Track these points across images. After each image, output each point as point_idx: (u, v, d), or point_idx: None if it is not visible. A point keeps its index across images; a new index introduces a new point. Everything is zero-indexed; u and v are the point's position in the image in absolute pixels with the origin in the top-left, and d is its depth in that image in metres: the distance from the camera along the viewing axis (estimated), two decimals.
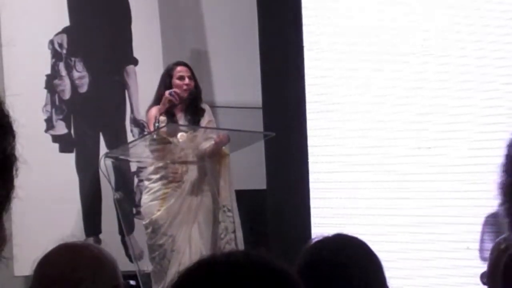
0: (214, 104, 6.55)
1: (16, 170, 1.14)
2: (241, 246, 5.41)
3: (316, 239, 2.20)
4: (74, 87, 5.98)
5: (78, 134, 5.93)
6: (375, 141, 5.45)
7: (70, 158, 5.88)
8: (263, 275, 1.32)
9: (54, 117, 5.87)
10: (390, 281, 2.16)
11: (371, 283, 2.11)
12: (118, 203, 5.60)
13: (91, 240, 5.78)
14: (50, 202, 5.66)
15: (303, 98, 5.73)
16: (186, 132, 5.38)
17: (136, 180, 6.04)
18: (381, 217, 5.38)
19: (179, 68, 5.49)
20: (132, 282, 5.40)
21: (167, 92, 5.33)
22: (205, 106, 5.59)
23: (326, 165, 5.64)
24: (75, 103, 5.97)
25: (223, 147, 5.42)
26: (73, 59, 5.99)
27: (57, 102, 5.90)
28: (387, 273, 2.15)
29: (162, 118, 5.30)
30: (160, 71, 5.82)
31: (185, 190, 5.36)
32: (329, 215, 5.58)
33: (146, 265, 5.59)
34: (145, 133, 5.64)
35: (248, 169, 6.18)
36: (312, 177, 5.69)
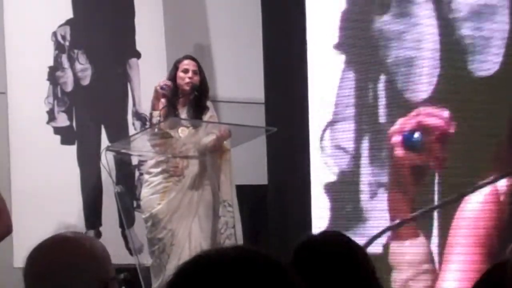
0: (216, 99, 6.55)
1: None
2: (240, 241, 5.40)
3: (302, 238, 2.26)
4: (76, 79, 5.98)
5: (79, 126, 5.93)
6: (377, 136, 5.45)
7: (72, 151, 5.88)
8: (258, 270, 1.32)
9: (56, 109, 5.87)
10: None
11: (357, 275, 2.15)
12: (119, 196, 5.60)
13: (91, 233, 5.78)
14: (50, 194, 5.66)
15: (305, 94, 5.72)
16: (187, 127, 5.37)
17: (137, 173, 6.04)
18: (383, 212, 5.38)
19: (186, 61, 5.49)
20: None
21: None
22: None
23: (327, 160, 5.63)
24: (77, 95, 5.97)
25: (224, 142, 5.41)
26: (76, 51, 5.99)
27: (59, 94, 5.90)
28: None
29: (156, 113, 5.32)
30: (163, 64, 5.82)
31: (186, 184, 5.36)
32: (329, 210, 5.58)
33: (146, 259, 5.59)
34: (147, 126, 5.64)
35: (249, 164, 6.18)
36: (313, 172, 5.69)
